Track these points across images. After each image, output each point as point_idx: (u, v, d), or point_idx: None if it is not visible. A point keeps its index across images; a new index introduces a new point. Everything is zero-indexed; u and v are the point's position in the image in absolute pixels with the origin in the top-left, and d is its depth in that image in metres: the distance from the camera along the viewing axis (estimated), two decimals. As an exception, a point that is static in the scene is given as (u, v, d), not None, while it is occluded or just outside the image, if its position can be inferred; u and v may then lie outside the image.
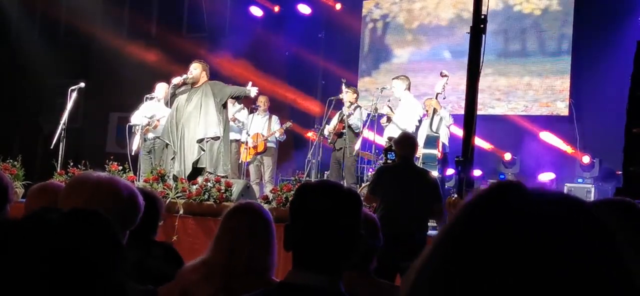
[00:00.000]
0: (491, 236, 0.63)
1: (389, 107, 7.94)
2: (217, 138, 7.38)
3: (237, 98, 8.33)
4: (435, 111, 7.70)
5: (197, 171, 7.31)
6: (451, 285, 0.63)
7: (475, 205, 0.67)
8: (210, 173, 7.16)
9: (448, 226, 0.68)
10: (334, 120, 8.55)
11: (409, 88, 8.05)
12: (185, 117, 7.38)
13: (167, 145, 7.60)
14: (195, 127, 7.32)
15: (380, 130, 8.20)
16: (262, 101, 9.53)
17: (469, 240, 0.64)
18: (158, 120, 8.64)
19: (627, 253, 0.65)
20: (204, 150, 7.32)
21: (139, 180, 7.28)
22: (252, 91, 7.67)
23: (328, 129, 8.56)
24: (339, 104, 8.51)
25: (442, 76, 7.74)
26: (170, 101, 7.64)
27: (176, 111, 7.48)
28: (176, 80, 7.51)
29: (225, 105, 7.70)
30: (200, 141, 7.31)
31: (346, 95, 8.38)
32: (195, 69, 7.53)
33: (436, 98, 7.78)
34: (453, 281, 0.63)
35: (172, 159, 7.42)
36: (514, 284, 0.61)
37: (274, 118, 9.65)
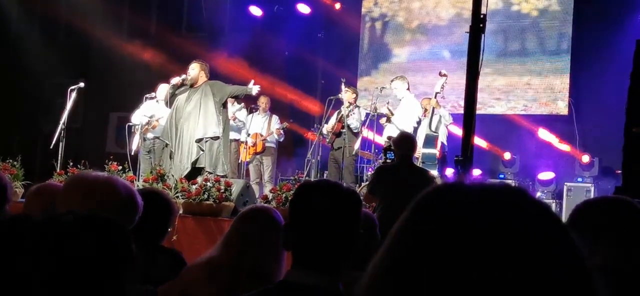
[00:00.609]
0: (434, 231, 0.66)
1: (388, 108, 7.93)
2: (216, 138, 7.37)
3: (237, 97, 8.33)
4: (433, 111, 7.70)
5: (196, 171, 7.31)
6: (402, 280, 0.65)
7: (420, 203, 0.70)
8: (210, 172, 7.16)
9: (397, 225, 0.71)
10: (332, 119, 8.55)
11: (408, 88, 8.07)
12: (184, 117, 7.38)
13: (166, 145, 7.61)
14: (194, 127, 7.32)
15: (379, 130, 8.20)
16: (263, 101, 9.53)
17: (415, 236, 0.67)
18: (157, 120, 8.64)
19: (570, 232, 0.67)
20: (203, 150, 7.32)
21: (138, 180, 7.28)
22: (254, 89, 7.64)
23: (327, 128, 8.56)
24: (339, 103, 8.51)
25: (441, 76, 7.74)
26: (169, 101, 7.64)
27: (175, 111, 7.49)
28: (175, 80, 7.53)
29: (225, 105, 7.70)
30: (198, 141, 7.31)
31: (345, 94, 8.38)
32: (193, 69, 7.53)
33: (435, 97, 7.78)
34: (404, 277, 0.65)
35: (171, 159, 7.43)
36: (460, 274, 0.62)
37: (275, 118, 9.64)
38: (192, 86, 7.51)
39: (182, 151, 7.34)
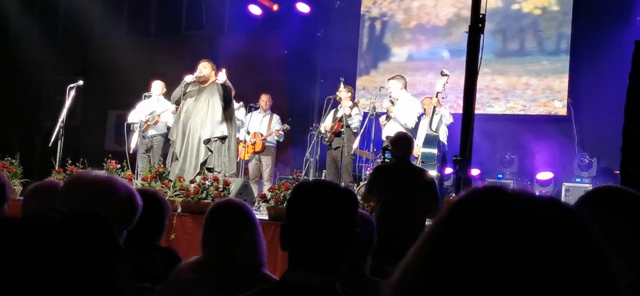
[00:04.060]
0: (471, 236, 0.65)
1: (391, 101, 7.93)
2: (224, 137, 7.39)
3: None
4: (434, 110, 7.68)
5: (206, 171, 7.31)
6: (433, 281, 0.64)
7: (458, 206, 0.69)
8: (218, 172, 7.17)
9: (431, 226, 0.70)
10: (329, 119, 8.55)
11: (405, 87, 8.05)
12: (192, 118, 7.36)
13: (167, 140, 7.60)
14: (203, 128, 7.30)
15: (378, 129, 8.20)
16: (264, 100, 9.53)
17: (450, 239, 0.66)
18: (159, 116, 8.66)
19: (609, 253, 0.66)
20: (211, 151, 7.31)
21: (136, 179, 7.28)
22: (220, 77, 7.45)
23: (324, 127, 8.55)
24: (338, 102, 8.52)
25: (443, 75, 7.72)
26: (180, 100, 7.53)
27: (184, 112, 7.45)
28: (189, 78, 7.42)
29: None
30: (207, 142, 7.30)
31: (343, 94, 8.39)
32: (205, 68, 7.48)
33: (436, 96, 7.77)
34: (435, 278, 0.64)
35: (175, 160, 7.38)
36: (491, 281, 0.61)
37: (275, 117, 9.59)
38: (201, 85, 7.49)
39: (190, 152, 7.30)
